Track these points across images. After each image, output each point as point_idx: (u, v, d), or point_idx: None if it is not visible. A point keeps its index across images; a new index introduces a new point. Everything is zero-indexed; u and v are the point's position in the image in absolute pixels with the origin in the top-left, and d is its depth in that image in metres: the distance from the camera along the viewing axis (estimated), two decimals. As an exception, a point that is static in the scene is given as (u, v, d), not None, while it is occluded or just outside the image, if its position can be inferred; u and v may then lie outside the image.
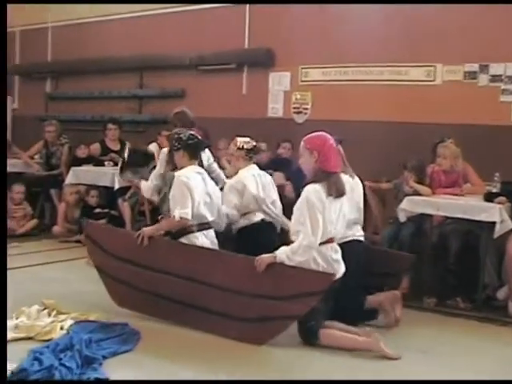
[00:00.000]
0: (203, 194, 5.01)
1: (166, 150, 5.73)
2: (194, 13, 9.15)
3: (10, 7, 10.96)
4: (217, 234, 5.18)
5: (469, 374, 4.17)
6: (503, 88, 7.00)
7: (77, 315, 4.79)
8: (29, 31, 11.10)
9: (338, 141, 5.23)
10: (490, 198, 5.75)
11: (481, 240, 5.78)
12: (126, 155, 6.60)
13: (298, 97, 8.28)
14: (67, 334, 4.35)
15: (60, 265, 6.70)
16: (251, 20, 8.63)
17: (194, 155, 5.17)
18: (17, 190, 8.70)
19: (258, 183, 5.55)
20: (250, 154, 5.69)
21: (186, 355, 4.31)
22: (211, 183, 5.22)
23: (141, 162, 6.36)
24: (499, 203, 5.62)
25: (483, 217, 5.56)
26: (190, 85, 9.20)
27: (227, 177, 6.09)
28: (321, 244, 4.45)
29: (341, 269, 4.59)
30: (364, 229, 6.83)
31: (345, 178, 4.86)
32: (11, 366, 3.77)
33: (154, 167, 6.03)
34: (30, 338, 4.38)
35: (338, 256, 4.59)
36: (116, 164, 8.17)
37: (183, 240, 4.93)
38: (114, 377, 3.81)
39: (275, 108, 8.47)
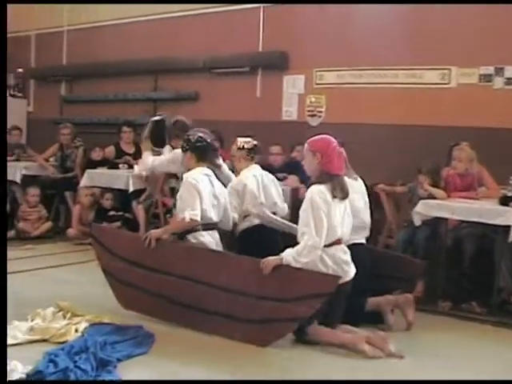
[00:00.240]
0: (210, 195, 5.04)
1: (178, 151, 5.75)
2: (208, 16, 9.17)
3: (25, 11, 11.12)
4: (221, 236, 5.21)
5: (483, 378, 4.14)
6: (518, 91, 6.98)
7: (91, 317, 4.79)
8: (44, 35, 11.16)
9: (340, 143, 5.25)
10: (505, 201, 5.70)
11: (496, 244, 5.74)
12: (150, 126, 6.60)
13: (313, 100, 8.27)
14: (82, 337, 4.35)
15: (74, 267, 6.72)
16: (265, 23, 8.63)
17: (202, 157, 5.19)
18: (32, 193, 8.74)
19: (258, 183, 5.56)
20: (251, 154, 5.70)
21: (198, 357, 4.31)
22: (218, 184, 5.23)
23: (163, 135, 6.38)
24: (515, 207, 5.59)
25: (499, 221, 5.50)
26: (203, 87, 9.22)
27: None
28: (329, 245, 4.48)
29: (351, 270, 4.62)
30: (379, 232, 6.88)
31: (348, 181, 4.89)
32: (11, 367, 3.79)
33: None
34: (44, 340, 4.39)
35: (348, 257, 4.62)
36: (131, 167, 8.20)
37: (189, 237, 4.96)
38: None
39: (289, 111, 8.47)
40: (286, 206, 5.78)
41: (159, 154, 6.46)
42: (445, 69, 7.34)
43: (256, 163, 5.77)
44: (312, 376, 4.10)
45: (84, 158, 9.31)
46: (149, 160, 6.16)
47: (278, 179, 6.48)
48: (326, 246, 4.47)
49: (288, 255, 4.45)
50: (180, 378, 3.93)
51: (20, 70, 11.37)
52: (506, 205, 5.64)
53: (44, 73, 11.26)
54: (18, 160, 9.54)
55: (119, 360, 4.06)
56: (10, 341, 4.31)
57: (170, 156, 6.20)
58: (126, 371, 3.95)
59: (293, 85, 8.44)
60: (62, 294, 5.58)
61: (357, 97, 7.87)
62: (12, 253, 7.49)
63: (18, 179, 9.11)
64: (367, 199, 5.46)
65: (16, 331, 4.43)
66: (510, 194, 5.80)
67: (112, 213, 8.18)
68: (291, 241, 4.67)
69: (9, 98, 11.30)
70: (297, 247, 4.45)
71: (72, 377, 3.72)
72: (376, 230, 7.08)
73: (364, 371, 4.20)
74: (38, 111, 11.42)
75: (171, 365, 4.14)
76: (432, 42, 7.35)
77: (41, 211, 8.80)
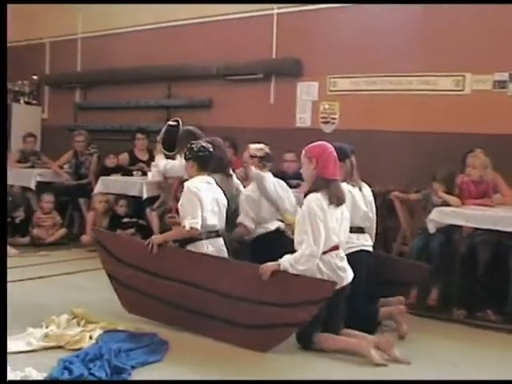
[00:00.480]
0: (212, 203, 5.09)
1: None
2: (221, 23, 9.18)
3: (39, 19, 11.20)
4: (226, 242, 5.25)
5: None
6: (533, 97, 6.94)
7: (105, 324, 4.81)
8: (59, 42, 11.22)
9: (351, 150, 5.28)
10: (520, 208, 5.69)
11: (511, 251, 5.71)
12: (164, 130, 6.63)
13: (326, 106, 8.26)
14: (96, 344, 4.37)
15: (89, 273, 6.74)
16: (279, 29, 8.63)
17: (204, 167, 5.24)
18: (46, 200, 8.79)
19: (272, 191, 5.64)
20: (263, 162, 5.73)
21: (212, 365, 4.31)
22: (220, 192, 5.27)
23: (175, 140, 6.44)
24: (530, 214, 5.56)
25: (514, 228, 5.50)
26: (217, 95, 9.23)
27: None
28: (325, 252, 4.52)
29: (348, 276, 4.66)
30: (393, 239, 6.87)
31: (348, 188, 5.06)
32: (25, 373, 3.82)
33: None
34: (59, 347, 4.41)
35: (344, 263, 4.65)
36: (144, 174, 8.22)
37: (190, 247, 5.03)
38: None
39: (303, 118, 8.46)
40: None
41: (172, 159, 6.50)
42: (459, 75, 7.31)
43: (268, 170, 5.78)
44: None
45: (98, 165, 9.35)
46: (161, 163, 6.18)
47: (292, 186, 6.49)
48: (322, 253, 4.51)
49: (285, 261, 4.49)
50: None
51: (35, 77, 11.43)
52: (521, 212, 5.62)
53: (58, 80, 11.31)
54: (32, 167, 9.60)
55: (133, 367, 4.07)
56: (24, 347, 4.36)
57: (182, 162, 6.21)
58: (140, 379, 3.96)
59: (307, 91, 8.43)
60: (76, 300, 5.61)
61: (371, 104, 7.85)
62: (27, 259, 7.60)
63: (32, 186, 9.17)
64: (374, 207, 5.45)
65: (31, 338, 4.46)
66: (524, 202, 5.79)
67: (126, 220, 8.21)
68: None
69: (23, 106, 11.41)
70: (295, 254, 4.49)
71: (86, 384, 3.74)
72: (390, 238, 7.10)
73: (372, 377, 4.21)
74: (52, 118, 11.46)
75: (185, 372, 4.14)
76: (446, 48, 7.32)
77: (55, 218, 8.85)
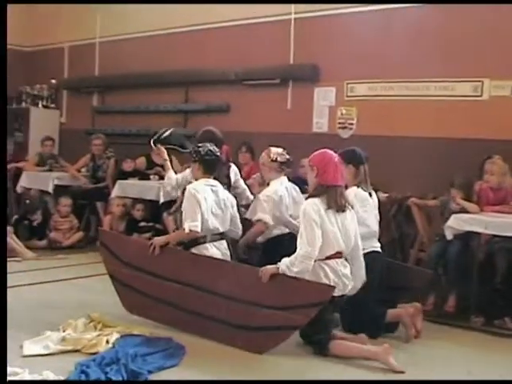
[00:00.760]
0: (214, 205, 5.13)
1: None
2: (239, 28, 9.20)
3: (58, 24, 11.28)
4: (229, 245, 5.31)
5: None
6: (552, 103, 6.90)
7: (122, 329, 4.83)
8: (77, 47, 11.28)
9: (365, 157, 5.30)
10: (539, 215, 5.65)
11: (530, 259, 5.68)
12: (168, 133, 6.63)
13: (344, 112, 8.24)
14: (113, 348, 4.38)
15: (105, 277, 6.68)
16: (296, 35, 8.63)
17: (209, 170, 5.29)
18: (64, 203, 8.84)
19: (289, 195, 5.70)
20: (283, 167, 5.78)
21: (229, 370, 4.31)
22: (224, 195, 5.30)
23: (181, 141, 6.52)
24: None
25: (533, 235, 5.46)
26: (234, 99, 9.24)
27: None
28: (329, 258, 4.57)
29: (350, 284, 4.70)
30: (410, 246, 6.84)
31: (365, 194, 5.18)
32: (43, 376, 3.84)
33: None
34: (76, 351, 4.42)
35: (348, 271, 4.69)
36: (162, 178, 8.23)
37: (194, 250, 5.08)
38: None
39: (320, 123, 8.45)
40: None
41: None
42: (477, 81, 7.26)
43: (285, 175, 5.82)
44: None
45: (115, 169, 9.39)
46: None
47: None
48: (326, 258, 4.57)
49: (283, 264, 4.55)
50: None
51: (53, 81, 11.50)
52: (540, 219, 5.58)
53: (77, 84, 11.37)
54: (50, 170, 9.66)
55: (150, 372, 4.07)
56: (42, 351, 4.39)
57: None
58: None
59: (324, 97, 8.41)
60: (92, 304, 5.64)
61: (388, 109, 7.83)
62: (44, 262, 7.65)
63: (50, 189, 9.23)
64: (377, 212, 5.48)
65: (48, 341, 4.48)
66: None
67: (143, 224, 8.23)
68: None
69: (42, 109, 11.49)
70: (291, 256, 4.55)
71: (103, 388, 3.76)
72: (407, 244, 7.07)
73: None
74: (70, 122, 11.53)
75: (202, 377, 4.14)
76: (464, 53, 7.28)
77: (72, 221, 8.90)
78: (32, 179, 9.51)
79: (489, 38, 7.13)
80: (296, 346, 4.77)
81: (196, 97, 9.78)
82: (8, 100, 11.45)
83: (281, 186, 5.69)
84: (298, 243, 4.56)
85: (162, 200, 7.84)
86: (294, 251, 4.63)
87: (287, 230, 5.64)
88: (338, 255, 4.64)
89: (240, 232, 5.51)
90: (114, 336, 4.59)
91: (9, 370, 3.86)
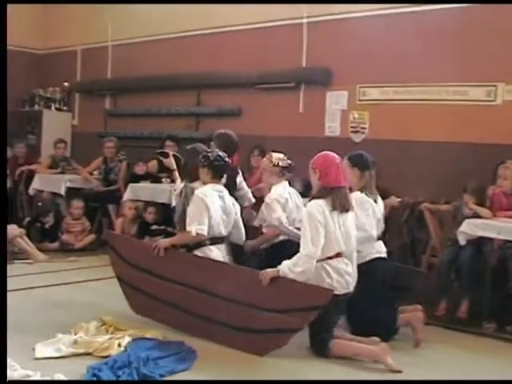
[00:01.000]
0: (220, 210, 5.21)
1: None
2: (251, 31, 9.20)
3: (71, 27, 11.33)
4: (237, 248, 5.39)
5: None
6: None
7: (134, 332, 4.83)
8: (90, 50, 11.33)
9: (371, 162, 5.39)
10: (552, 221, 5.61)
11: (542, 264, 5.65)
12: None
13: (356, 116, 8.22)
14: (125, 351, 4.39)
15: (116, 280, 6.77)
16: (309, 38, 8.62)
17: (217, 175, 5.35)
18: (76, 206, 8.87)
19: (292, 200, 5.75)
20: (284, 171, 5.82)
21: (241, 375, 4.30)
22: (229, 201, 5.39)
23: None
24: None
25: (546, 241, 5.43)
26: (246, 103, 9.24)
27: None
28: (331, 258, 4.63)
29: (354, 282, 4.75)
30: (422, 251, 6.82)
31: (368, 199, 5.23)
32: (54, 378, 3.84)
33: None
34: (88, 354, 4.43)
35: (350, 269, 4.74)
36: (173, 181, 8.24)
37: (197, 252, 5.14)
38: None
39: (332, 127, 8.43)
40: None
41: None
42: (491, 85, 7.23)
43: (286, 180, 5.89)
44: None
45: (127, 172, 9.41)
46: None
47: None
48: (328, 258, 4.63)
49: (284, 266, 4.59)
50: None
51: (66, 84, 11.55)
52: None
53: (89, 87, 11.41)
54: (62, 173, 9.69)
55: (162, 376, 4.08)
56: (53, 354, 4.40)
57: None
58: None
59: (336, 101, 8.39)
60: (104, 307, 5.67)
61: (400, 113, 7.80)
62: (56, 265, 7.67)
63: (62, 192, 9.26)
64: (381, 217, 5.50)
65: (60, 344, 4.49)
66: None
67: (154, 227, 8.23)
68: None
69: (54, 112, 11.54)
70: (293, 258, 4.58)
71: (115, 391, 3.76)
72: (419, 249, 7.04)
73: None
74: (82, 125, 11.57)
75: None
76: (478, 58, 7.24)
77: (84, 223, 8.92)
78: (44, 181, 9.55)
79: (503, 42, 7.10)
80: (297, 348, 4.79)
81: (208, 100, 9.79)
82: (21, 103, 11.61)
83: (284, 190, 5.75)
84: (301, 243, 4.61)
85: (173, 203, 7.83)
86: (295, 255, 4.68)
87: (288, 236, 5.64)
88: (339, 256, 4.70)
89: (243, 237, 5.56)
90: (126, 339, 4.60)
91: (21, 372, 3.89)
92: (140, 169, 9.11)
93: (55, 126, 11.34)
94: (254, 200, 6.28)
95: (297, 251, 4.97)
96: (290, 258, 4.70)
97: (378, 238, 5.39)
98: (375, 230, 5.34)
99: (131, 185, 8.57)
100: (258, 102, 9.05)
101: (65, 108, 11.70)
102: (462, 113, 7.36)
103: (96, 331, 4.83)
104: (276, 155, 5.86)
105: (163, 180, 8.69)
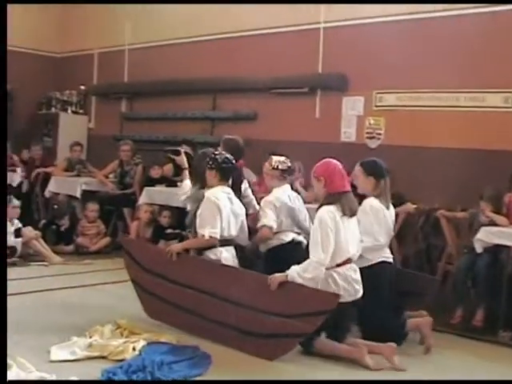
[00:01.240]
0: (230, 213, 5.25)
1: None
2: (267, 36, 9.20)
3: (89, 30, 11.39)
4: (237, 250, 5.39)
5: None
6: None
7: (148, 336, 4.84)
8: (106, 53, 11.38)
9: (386, 170, 5.40)
10: None
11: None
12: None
13: (372, 122, 8.20)
14: (139, 355, 4.39)
15: (131, 284, 6.78)
16: (325, 44, 8.61)
17: (225, 177, 5.39)
18: (91, 208, 8.90)
19: (292, 203, 5.73)
20: (285, 175, 5.83)
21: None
22: (237, 202, 5.44)
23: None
24: None
25: None
26: (262, 108, 9.24)
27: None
28: (339, 265, 4.66)
29: (361, 289, 4.77)
30: (438, 258, 6.78)
31: (381, 206, 5.23)
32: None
33: None
34: (102, 357, 4.44)
35: (357, 276, 4.77)
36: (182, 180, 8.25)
37: (208, 253, 5.17)
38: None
39: (348, 132, 8.41)
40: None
41: None
42: (508, 92, 7.18)
43: (287, 183, 5.91)
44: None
45: (143, 175, 9.43)
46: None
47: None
48: (337, 265, 4.66)
49: (293, 271, 4.61)
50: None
51: (82, 87, 11.61)
52: None
53: (105, 90, 11.46)
54: (78, 175, 9.74)
55: (175, 380, 4.07)
56: (68, 356, 4.41)
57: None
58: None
59: (352, 106, 8.37)
60: (118, 310, 5.68)
61: (417, 120, 7.77)
62: (71, 267, 7.71)
63: (78, 194, 9.31)
64: (391, 225, 5.49)
65: (75, 347, 4.51)
66: None
67: (169, 230, 8.24)
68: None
69: (71, 115, 11.60)
70: (303, 263, 4.61)
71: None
72: (435, 256, 7.01)
73: None
74: (98, 128, 11.62)
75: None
76: (494, 64, 7.21)
77: (99, 226, 8.95)
78: (60, 184, 9.60)
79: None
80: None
81: (223, 104, 9.80)
82: (38, 105, 11.66)
83: (283, 194, 5.75)
84: (310, 250, 4.63)
85: (188, 207, 7.84)
86: (297, 259, 4.73)
87: (288, 240, 5.64)
88: (348, 261, 4.73)
89: (247, 238, 5.60)
90: (141, 343, 4.60)
91: (36, 374, 3.90)
92: (155, 172, 9.13)
93: (71, 128, 11.40)
94: (258, 208, 6.25)
95: (297, 254, 5.07)
96: (290, 261, 4.75)
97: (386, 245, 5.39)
98: (385, 237, 5.32)
99: (146, 188, 8.59)
100: (274, 107, 9.05)
101: (81, 111, 11.75)
102: (478, 119, 7.32)
103: (111, 334, 4.84)
104: (276, 158, 5.87)
105: (178, 184, 8.68)
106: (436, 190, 7.29)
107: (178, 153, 6.65)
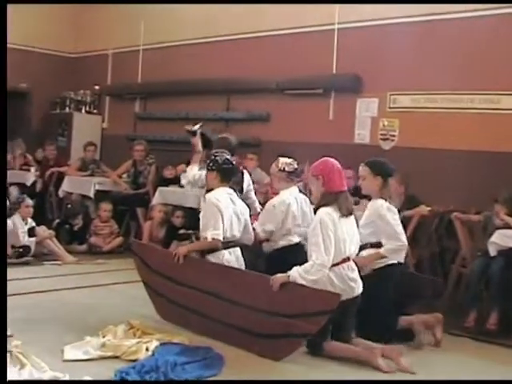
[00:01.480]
0: (232, 214, 5.24)
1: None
2: (281, 37, 9.19)
3: (103, 31, 11.43)
4: (242, 251, 5.40)
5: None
6: None
7: (161, 336, 4.84)
8: (121, 53, 11.40)
9: (392, 170, 5.41)
10: None
11: None
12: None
13: (386, 123, 8.17)
14: (152, 356, 4.39)
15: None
16: (339, 45, 8.59)
17: (226, 178, 5.40)
18: (104, 208, 8.92)
19: (298, 205, 5.75)
20: (291, 177, 5.84)
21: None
22: (240, 203, 5.43)
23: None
24: None
25: None
26: (275, 109, 9.23)
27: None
28: (336, 264, 4.65)
29: (359, 286, 4.78)
30: (452, 261, 6.75)
31: (389, 206, 5.22)
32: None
33: None
34: (116, 357, 4.44)
35: (355, 274, 4.78)
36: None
37: (210, 257, 5.19)
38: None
39: (362, 134, 8.38)
40: None
41: None
42: (523, 94, 7.16)
43: (294, 185, 5.92)
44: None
45: (156, 175, 9.45)
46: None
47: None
48: (333, 265, 4.64)
49: (294, 272, 4.61)
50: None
51: (96, 87, 11.64)
52: None
53: (119, 90, 11.48)
54: (92, 175, 9.77)
55: (188, 381, 4.07)
56: (82, 356, 4.41)
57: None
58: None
59: (366, 108, 8.35)
60: (131, 310, 5.69)
61: (431, 121, 7.74)
62: (84, 267, 7.73)
63: (91, 194, 9.34)
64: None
65: (88, 347, 4.51)
66: None
67: (182, 231, 8.24)
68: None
69: (85, 115, 11.63)
70: (305, 265, 4.61)
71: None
72: (448, 259, 6.98)
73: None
74: (112, 128, 11.64)
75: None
76: (510, 66, 7.17)
77: (112, 226, 8.97)
78: (74, 184, 9.64)
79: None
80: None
81: (237, 105, 9.79)
82: (52, 105, 11.71)
83: (290, 196, 5.75)
84: (312, 252, 4.63)
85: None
86: (299, 261, 4.71)
87: (296, 241, 5.69)
88: (345, 260, 4.73)
89: (252, 237, 5.60)
90: (154, 344, 4.60)
91: (50, 373, 3.91)
92: (169, 172, 9.15)
93: (85, 128, 11.43)
94: (259, 209, 6.24)
95: (298, 255, 5.06)
96: (292, 262, 4.74)
97: None
98: (405, 238, 5.31)
99: (160, 188, 8.61)
100: (288, 108, 9.04)
101: (95, 111, 11.78)
102: (493, 121, 7.28)
103: (124, 335, 4.84)
104: (283, 160, 5.88)
105: (187, 168, 8.67)
106: (450, 193, 7.25)
107: (194, 133, 6.48)
